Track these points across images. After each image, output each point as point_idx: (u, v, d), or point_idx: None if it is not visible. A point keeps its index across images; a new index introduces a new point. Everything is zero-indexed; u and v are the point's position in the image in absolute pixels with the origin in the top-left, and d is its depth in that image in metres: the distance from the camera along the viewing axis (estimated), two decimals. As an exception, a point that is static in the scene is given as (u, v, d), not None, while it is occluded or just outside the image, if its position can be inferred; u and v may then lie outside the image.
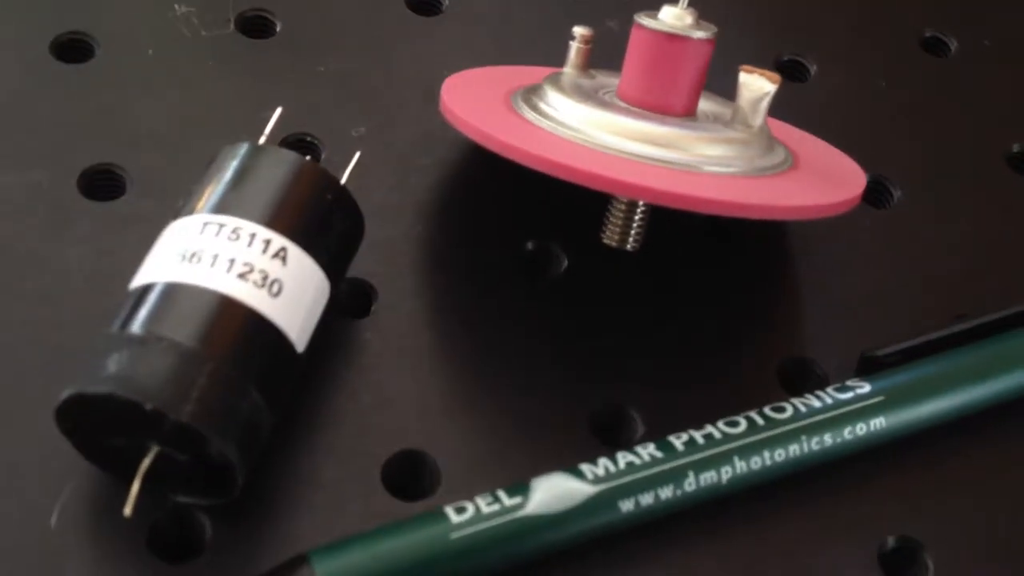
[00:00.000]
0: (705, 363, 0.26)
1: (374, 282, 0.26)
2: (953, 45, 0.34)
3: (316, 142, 0.29)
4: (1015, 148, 0.32)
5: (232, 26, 0.31)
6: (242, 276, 0.22)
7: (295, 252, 0.22)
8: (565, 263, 0.27)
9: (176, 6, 0.31)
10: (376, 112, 0.30)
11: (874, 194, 0.30)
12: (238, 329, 0.21)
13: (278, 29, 0.31)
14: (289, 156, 0.23)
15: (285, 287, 0.22)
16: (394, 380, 0.25)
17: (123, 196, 0.27)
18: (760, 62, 0.33)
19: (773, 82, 0.25)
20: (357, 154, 0.25)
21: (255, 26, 0.31)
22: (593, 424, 0.25)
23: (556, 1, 0.33)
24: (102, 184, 0.27)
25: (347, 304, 0.26)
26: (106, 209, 0.27)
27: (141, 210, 0.27)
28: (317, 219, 0.23)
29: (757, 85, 0.25)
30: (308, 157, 0.25)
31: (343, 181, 0.24)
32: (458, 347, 0.26)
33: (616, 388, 0.26)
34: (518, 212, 0.28)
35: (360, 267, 0.26)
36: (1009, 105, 0.33)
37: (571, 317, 0.27)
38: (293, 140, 0.28)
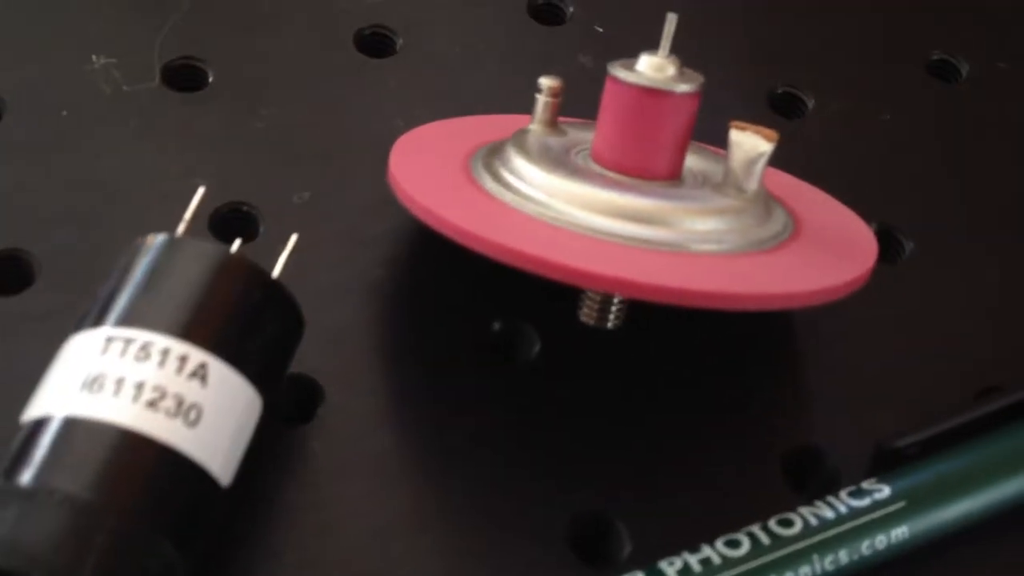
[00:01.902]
0: (699, 456, 0.23)
1: (319, 379, 0.23)
2: (964, 69, 0.31)
3: (254, 212, 0.25)
4: (1038, 186, 0.29)
5: (158, 79, 0.27)
6: (151, 405, 0.18)
7: (217, 368, 0.19)
8: (538, 345, 0.24)
9: (94, 57, 0.27)
10: (322, 173, 0.26)
11: (882, 246, 0.27)
12: (147, 472, 0.18)
13: (210, 80, 0.27)
14: (209, 250, 0.20)
15: (205, 412, 0.19)
16: (343, 498, 0.22)
17: (31, 287, 0.24)
18: (751, 95, 0.30)
19: (769, 140, 0.22)
20: (293, 237, 0.22)
21: (184, 77, 0.27)
22: (573, 534, 0.22)
23: (523, 36, 0.30)
24: (6, 274, 0.24)
25: (287, 408, 0.23)
26: (11, 304, 0.23)
27: (53, 304, 0.23)
28: (244, 324, 0.20)
29: (751, 144, 0.22)
30: (238, 241, 0.21)
31: (276, 272, 0.21)
32: (417, 451, 0.23)
33: (599, 490, 0.22)
34: (484, 287, 0.25)
35: (302, 362, 0.23)
36: (1027, 134, 0.30)
37: (546, 407, 0.23)
38: (227, 211, 0.25)
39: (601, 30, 0.30)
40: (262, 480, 0.21)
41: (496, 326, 0.24)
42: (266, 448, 0.22)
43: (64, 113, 0.26)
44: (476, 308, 0.24)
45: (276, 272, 0.21)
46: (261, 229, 0.25)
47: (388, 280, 0.25)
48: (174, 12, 0.28)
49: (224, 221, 0.25)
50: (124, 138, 0.26)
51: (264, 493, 0.21)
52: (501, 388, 0.24)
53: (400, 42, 0.29)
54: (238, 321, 0.20)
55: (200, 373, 0.19)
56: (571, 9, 0.30)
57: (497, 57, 0.29)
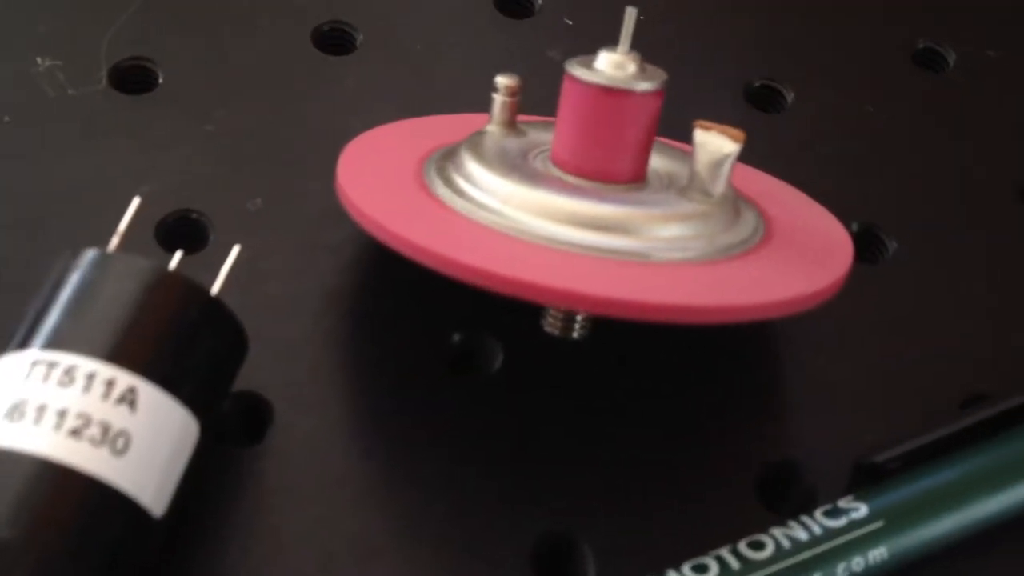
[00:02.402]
0: (669, 473, 0.22)
1: (269, 396, 0.22)
2: (951, 58, 0.29)
3: (203, 219, 0.24)
4: (1028, 180, 0.27)
5: (105, 81, 0.26)
6: (75, 433, 0.17)
7: (148, 391, 0.18)
8: (501, 358, 0.23)
9: (39, 60, 0.26)
10: (276, 178, 0.25)
11: (864, 246, 0.26)
12: (71, 505, 0.17)
13: (160, 81, 0.26)
14: (141, 266, 0.19)
15: (134, 440, 0.18)
16: (295, 522, 0.21)
17: (-31, 302, 0.23)
18: (727, 89, 0.28)
19: (736, 140, 0.20)
20: (235, 249, 0.21)
21: (133, 79, 0.26)
22: (536, 557, 0.21)
23: (489, 30, 0.29)
24: (-59, 289, 0.23)
25: (234, 428, 0.22)
26: (-54, 321, 0.22)
27: (-7, 317, 0.23)
28: (179, 344, 0.19)
29: (716, 145, 0.20)
30: (179, 254, 0.20)
31: (217, 287, 0.20)
32: (373, 472, 0.22)
33: (564, 509, 0.21)
34: (445, 297, 0.23)
35: (251, 379, 0.22)
36: (1021, 126, 0.28)
37: (509, 423, 0.22)
38: (174, 219, 0.24)
39: (571, 23, 0.29)
40: (208, 506, 0.20)
41: (457, 338, 0.23)
42: (212, 472, 0.21)
43: (6, 118, 0.25)
44: (437, 319, 0.23)
45: (216, 287, 0.20)
46: (211, 238, 0.24)
47: (345, 291, 0.24)
48: (123, 11, 0.27)
49: (171, 230, 0.24)
50: (69, 143, 0.25)
51: (210, 519, 0.20)
52: (462, 404, 0.22)
53: (360, 38, 0.28)
54: (172, 341, 0.19)
55: (129, 398, 0.18)
56: (539, 1, 0.29)
57: (462, 52, 0.28)
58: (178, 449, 0.18)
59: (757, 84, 0.28)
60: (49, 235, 0.24)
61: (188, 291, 0.19)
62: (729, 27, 0.30)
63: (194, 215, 0.24)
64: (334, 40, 0.28)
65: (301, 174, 0.25)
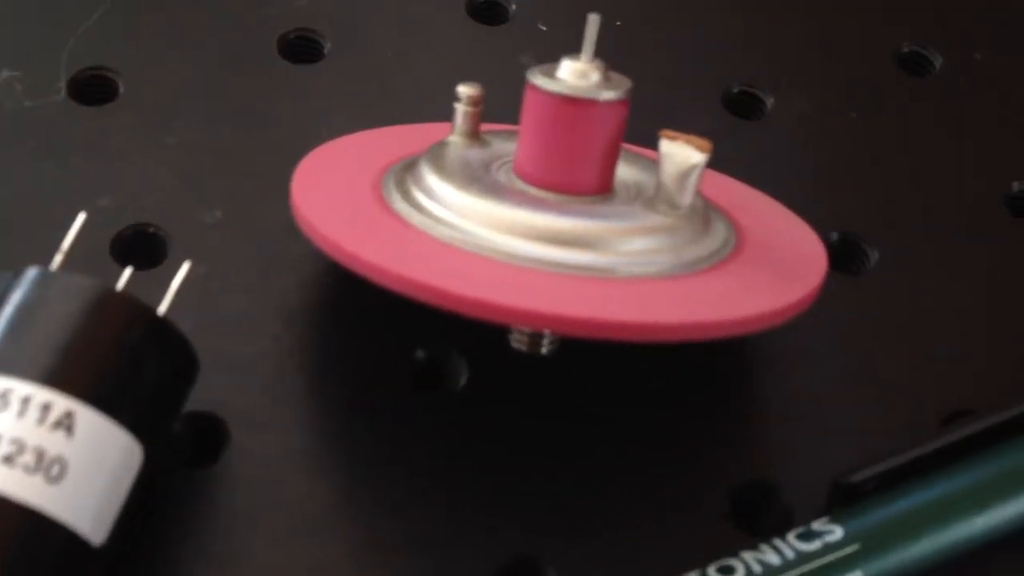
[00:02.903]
0: (640, 491, 0.21)
1: (224, 416, 0.21)
2: (937, 61, 0.29)
3: (161, 233, 0.23)
4: (1015, 187, 0.26)
5: (64, 92, 0.25)
6: (8, 460, 0.16)
7: (86, 416, 0.17)
8: (466, 375, 0.22)
9: (-3, 71, 0.26)
10: (237, 191, 0.24)
11: (844, 257, 0.25)
12: (4, 535, 0.16)
13: (120, 91, 0.26)
14: (82, 285, 0.18)
15: (71, 466, 0.17)
16: (250, 549, 0.20)
17: (-83, 320, 0.22)
18: (704, 95, 0.28)
19: (702, 151, 0.20)
20: (185, 266, 0.20)
21: (92, 89, 0.25)
22: (502, 581, 0.20)
23: (461, 36, 0.28)
24: None
25: (186, 451, 0.21)
26: None
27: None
28: (121, 366, 0.18)
29: (682, 156, 0.20)
30: (128, 270, 0.20)
31: (164, 306, 0.19)
32: (332, 496, 0.21)
33: (530, 532, 0.21)
34: (409, 312, 0.22)
35: (205, 398, 0.21)
36: (1007, 132, 0.28)
37: (474, 443, 0.22)
38: (130, 233, 0.23)
39: (545, 28, 0.28)
40: (159, 531, 0.20)
41: (422, 354, 0.22)
42: (163, 496, 0.20)
43: (-34, 131, 0.25)
44: (400, 335, 0.23)
45: (164, 306, 0.19)
46: (169, 253, 0.23)
47: (305, 306, 0.23)
48: (84, 20, 0.26)
49: (128, 245, 0.23)
50: (24, 157, 0.24)
51: (162, 545, 0.20)
52: (426, 424, 0.22)
53: (328, 46, 0.27)
54: (113, 363, 0.18)
55: (65, 423, 0.17)
56: (513, 7, 0.29)
57: (434, 60, 0.27)
58: (119, 475, 0.18)
59: (735, 90, 0.27)
60: (3, 249, 0.23)
61: (132, 311, 0.18)
62: (707, 30, 0.29)
63: (151, 229, 0.23)
64: (301, 48, 0.27)
65: (264, 187, 0.24)
